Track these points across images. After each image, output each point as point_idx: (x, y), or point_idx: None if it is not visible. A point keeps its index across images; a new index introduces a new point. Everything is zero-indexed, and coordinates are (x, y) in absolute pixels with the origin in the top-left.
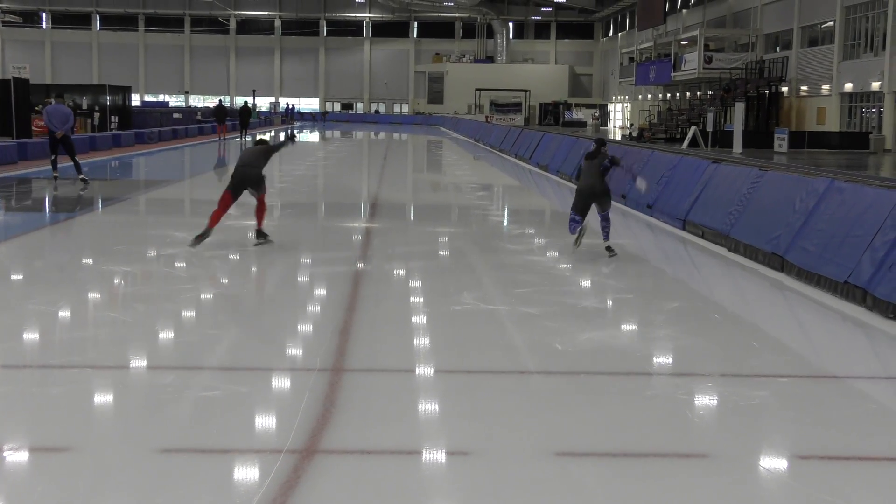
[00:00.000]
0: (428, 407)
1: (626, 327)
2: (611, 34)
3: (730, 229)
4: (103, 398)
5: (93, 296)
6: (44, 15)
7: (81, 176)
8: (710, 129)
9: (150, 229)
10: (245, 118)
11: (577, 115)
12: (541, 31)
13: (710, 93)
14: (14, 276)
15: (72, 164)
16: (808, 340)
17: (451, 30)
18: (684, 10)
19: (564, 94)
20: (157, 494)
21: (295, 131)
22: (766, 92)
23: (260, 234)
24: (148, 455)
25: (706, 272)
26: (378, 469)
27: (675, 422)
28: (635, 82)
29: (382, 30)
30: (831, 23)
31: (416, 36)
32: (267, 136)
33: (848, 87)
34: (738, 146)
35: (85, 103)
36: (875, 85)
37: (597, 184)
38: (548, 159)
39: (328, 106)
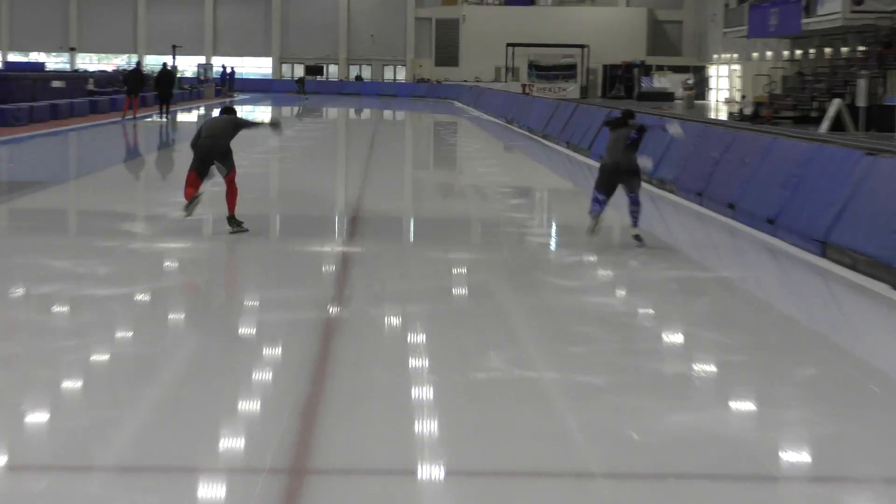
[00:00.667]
0: None
1: (737, 406)
2: None
3: None
4: None
5: None
6: None
7: None
8: (861, 103)
9: (14, 256)
10: (166, 88)
11: (661, 82)
12: None
13: (860, 49)
14: None
15: None
16: None
17: None
18: None
19: (641, 52)
20: None
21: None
22: None
23: (233, 220)
24: None
25: (860, 323)
26: None
27: None
28: (748, 33)
29: None
30: None
31: None
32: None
33: None
34: None
35: None
36: None
37: (622, 160)
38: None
39: (287, 70)
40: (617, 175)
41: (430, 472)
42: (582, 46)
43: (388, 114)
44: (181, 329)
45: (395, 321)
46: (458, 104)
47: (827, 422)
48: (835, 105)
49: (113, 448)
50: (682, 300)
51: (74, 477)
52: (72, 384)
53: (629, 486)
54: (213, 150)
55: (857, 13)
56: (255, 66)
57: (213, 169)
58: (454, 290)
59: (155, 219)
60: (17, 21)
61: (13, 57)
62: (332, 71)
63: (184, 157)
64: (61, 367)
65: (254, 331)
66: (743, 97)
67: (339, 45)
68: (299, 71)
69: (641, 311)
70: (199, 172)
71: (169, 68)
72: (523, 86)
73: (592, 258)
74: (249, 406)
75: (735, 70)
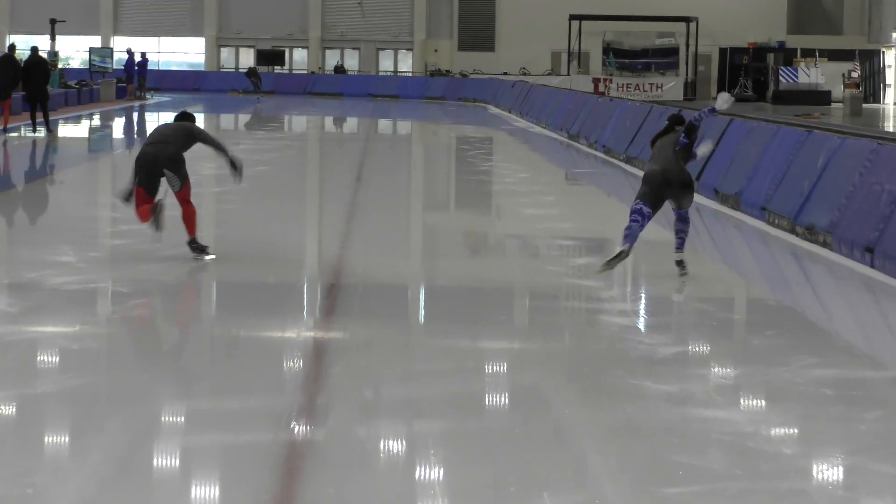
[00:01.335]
0: None
1: None
2: None
3: None
4: None
5: None
6: None
7: None
8: None
9: None
10: (38, 85)
11: (810, 75)
12: None
13: None
14: None
15: None
16: None
17: None
18: None
19: (780, 30)
20: None
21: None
22: None
23: (195, 245)
24: None
25: None
26: None
27: None
28: None
29: None
30: None
31: None
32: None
33: None
34: None
35: None
36: None
37: (671, 167)
38: (764, 187)
39: (228, 56)
40: (665, 188)
41: None
42: (687, 20)
43: (384, 125)
44: (64, 466)
45: (395, 447)
46: (493, 109)
47: None
48: None
49: None
50: (842, 414)
51: None
52: None
53: None
54: (159, 158)
55: None
56: (179, 52)
57: (165, 181)
58: (487, 400)
59: (24, 288)
60: None
61: None
62: (299, 58)
63: (72, 192)
64: None
65: (175, 463)
66: None
67: (310, 20)
68: (247, 58)
69: (778, 431)
70: (147, 188)
71: (41, 55)
72: (596, 81)
73: (702, 347)
74: None
75: None
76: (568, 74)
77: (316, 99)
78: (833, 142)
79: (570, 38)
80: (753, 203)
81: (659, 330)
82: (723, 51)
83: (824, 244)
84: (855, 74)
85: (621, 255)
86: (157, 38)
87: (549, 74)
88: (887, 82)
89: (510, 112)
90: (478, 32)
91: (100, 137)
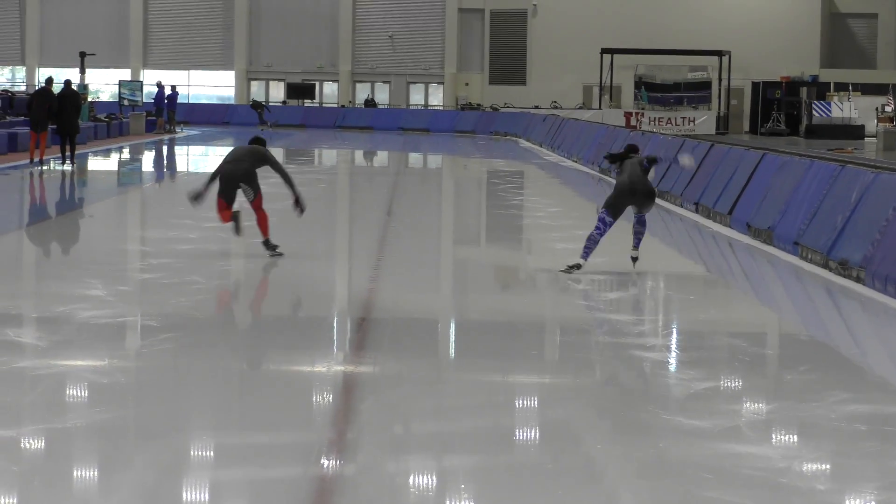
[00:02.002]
0: None
1: None
2: None
3: None
4: None
5: None
6: None
7: None
8: None
9: None
10: (69, 118)
11: (844, 109)
12: None
13: None
14: None
15: None
16: None
17: None
18: None
19: (813, 63)
20: None
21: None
22: None
23: (268, 244)
24: None
25: None
26: None
27: None
28: None
29: None
30: None
31: None
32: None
33: None
34: None
35: None
36: None
37: (637, 181)
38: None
39: (255, 89)
40: (632, 196)
41: None
42: (720, 54)
43: (415, 158)
44: (92, 501)
45: (425, 483)
46: (524, 143)
47: None
48: None
49: None
50: (876, 450)
51: None
52: None
53: None
54: (236, 173)
55: None
56: (209, 85)
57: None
58: (518, 435)
59: (53, 322)
60: None
61: None
62: (329, 92)
63: (101, 226)
64: None
65: (204, 498)
66: None
67: (340, 53)
68: (277, 91)
69: (811, 467)
70: (226, 198)
71: (74, 87)
72: (628, 115)
73: (734, 383)
74: None
75: None
76: (600, 108)
77: (346, 132)
78: (866, 176)
79: (601, 72)
80: (786, 238)
81: (691, 365)
82: (755, 85)
83: (858, 279)
84: (889, 108)
85: (579, 266)
86: (186, 71)
87: (580, 108)
88: None
89: (541, 146)
90: (509, 66)
91: (129, 171)
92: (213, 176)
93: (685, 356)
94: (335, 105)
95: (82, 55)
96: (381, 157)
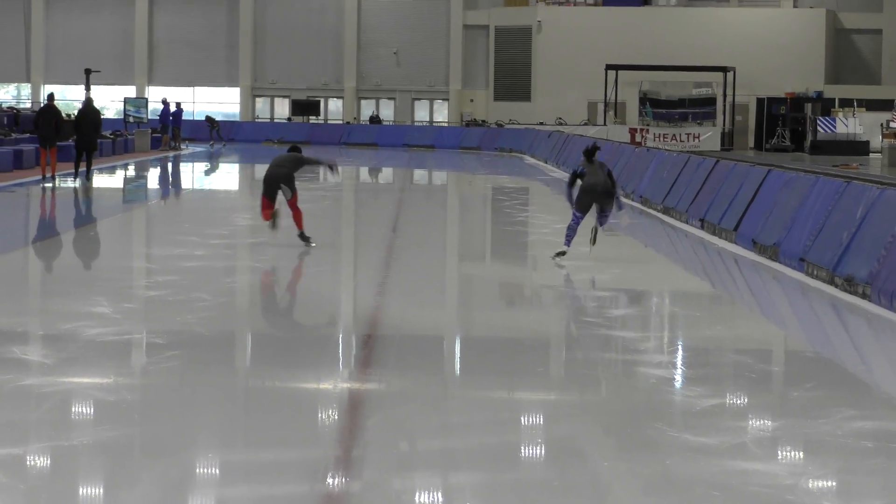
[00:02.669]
0: None
1: None
2: None
3: None
4: None
5: None
6: None
7: None
8: None
9: None
10: (90, 134)
11: (849, 125)
12: None
13: None
14: None
15: None
16: None
17: None
18: None
19: (818, 78)
20: None
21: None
22: None
23: (302, 236)
24: None
25: None
26: None
27: None
28: None
29: None
30: None
31: None
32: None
33: None
34: None
35: None
36: None
37: (601, 182)
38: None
39: (260, 105)
40: (596, 194)
41: None
42: (724, 70)
43: (420, 175)
44: None
45: (431, 500)
46: (529, 159)
47: None
48: None
49: None
50: (882, 467)
51: None
52: None
53: None
54: (278, 175)
55: None
56: (214, 102)
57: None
58: (524, 452)
59: (59, 339)
60: None
61: None
62: (334, 109)
63: (106, 243)
64: None
65: None
66: None
67: (345, 70)
68: (282, 108)
69: (818, 483)
70: (269, 196)
71: (94, 105)
72: (632, 131)
73: (740, 399)
74: None
75: None
76: (604, 124)
77: (351, 149)
78: (872, 192)
79: (606, 88)
80: (792, 254)
81: (697, 382)
82: (760, 101)
83: (863, 295)
84: (894, 124)
85: (564, 253)
86: (191, 88)
87: (585, 124)
88: None
89: (546, 162)
90: (514, 82)
91: (134, 188)
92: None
93: (691, 373)
94: (340, 122)
95: (87, 72)
96: (386, 173)
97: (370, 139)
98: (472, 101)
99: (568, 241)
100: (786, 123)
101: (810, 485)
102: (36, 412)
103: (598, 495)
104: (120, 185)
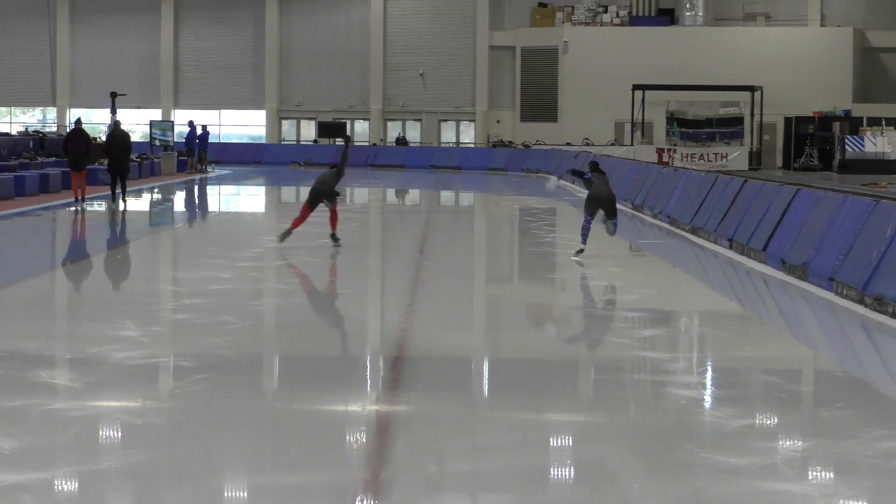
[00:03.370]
0: None
1: None
2: None
3: None
4: None
5: None
6: None
7: None
8: None
9: None
10: (121, 157)
11: (877, 143)
12: None
13: None
14: None
15: None
16: None
17: None
18: None
19: (846, 97)
20: None
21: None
22: None
23: (334, 237)
24: None
25: None
26: None
27: None
28: None
29: None
30: None
31: None
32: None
33: None
34: None
35: None
36: None
37: (605, 192)
38: (832, 257)
39: (286, 128)
40: (601, 203)
41: None
42: (751, 89)
43: (447, 196)
44: None
45: None
46: (554, 179)
47: None
48: None
49: None
50: None
51: None
52: None
53: None
54: (322, 191)
55: None
56: (240, 124)
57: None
58: (553, 474)
59: (87, 363)
60: None
61: None
62: (361, 130)
63: (134, 266)
64: None
65: None
66: None
67: (371, 91)
68: (308, 130)
69: None
70: (311, 206)
71: (122, 128)
72: (660, 151)
73: (770, 420)
74: None
75: None
76: (631, 144)
77: (377, 171)
78: None
79: (633, 108)
80: (821, 273)
81: (727, 402)
82: (788, 120)
83: (893, 315)
84: None
85: (582, 251)
86: (217, 111)
87: (612, 144)
88: None
89: (573, 183)
90: (540, 103)
91: (161, 211)
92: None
93: (721, 393)
94: (366, 143)
95: (113, 95)
96: (413, 195)
97: (396, 161)
98: (498, 122)
99: (584, 240)
100: (814, 142)
101: None
102: (64, 436)
103: None
104: (147, 207)
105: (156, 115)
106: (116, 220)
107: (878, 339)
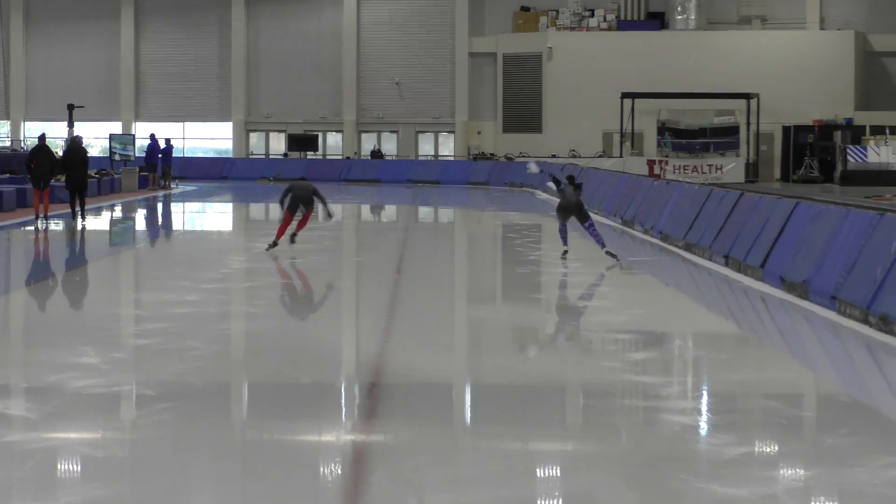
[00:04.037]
0: None
1: None
2: None
3: None
4: None
5: None
6: None
7: None
8: None
9: None
10: (78, 172)
11: (880, 153)
12: None
13: None
14: None
15: None
16: None
17: None
18: None
19: (847, 104)
20: None
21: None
22: None
23: (293, 238)
24: None
25: None
26: None
27: None
28: None
29: None
30: None
31: None
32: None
33: None
34: None
35: None
36: None
37: (574, 200)
38: (834, 274)
39: (254, 141)
40: (570, 210)
41: None
42: (747, 97)
43: (425, 212)
44: None
45: None
46: (541, 194)
47: None
48: None
49: None
50: None
51: None
52: None
53: None
54: (302, 196)
55: None
56: (205, 137)
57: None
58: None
59: (44, 392)
60: None
61: None
62: (333, 143)
63: (93, 289)
64: None
65: None
66: None
67: (345, 101)
68: (278, 142)
69: None
70: (291, 212)
71: (79, 143)
72: (651, 163)
73: (770, 447)
74: None
75: None
76: (621, 156)
77: (352, 186)
78: None
79: (622, 118)
80: (823, 292)
81: (724, 429)
82: (786, 129)
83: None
84: None
85: (566, 252)
86: (181, 123)
87: (600, 156)
88: None
89: (559, 198)
90: (523, 113)
91: (121, 230)
92: (288, 194)
93: (718, 419)
94: (339, 157)
95: (70, 108)
96: (390, 211)
97: (372, 175)
98: (479, 133)
99: (564, 241)
100: (814, 153)
101: None
102: (19, 470)
103: None
104: (107, 226)
105: (116, 128)
106: (75, 240)
107: (883, 361)
